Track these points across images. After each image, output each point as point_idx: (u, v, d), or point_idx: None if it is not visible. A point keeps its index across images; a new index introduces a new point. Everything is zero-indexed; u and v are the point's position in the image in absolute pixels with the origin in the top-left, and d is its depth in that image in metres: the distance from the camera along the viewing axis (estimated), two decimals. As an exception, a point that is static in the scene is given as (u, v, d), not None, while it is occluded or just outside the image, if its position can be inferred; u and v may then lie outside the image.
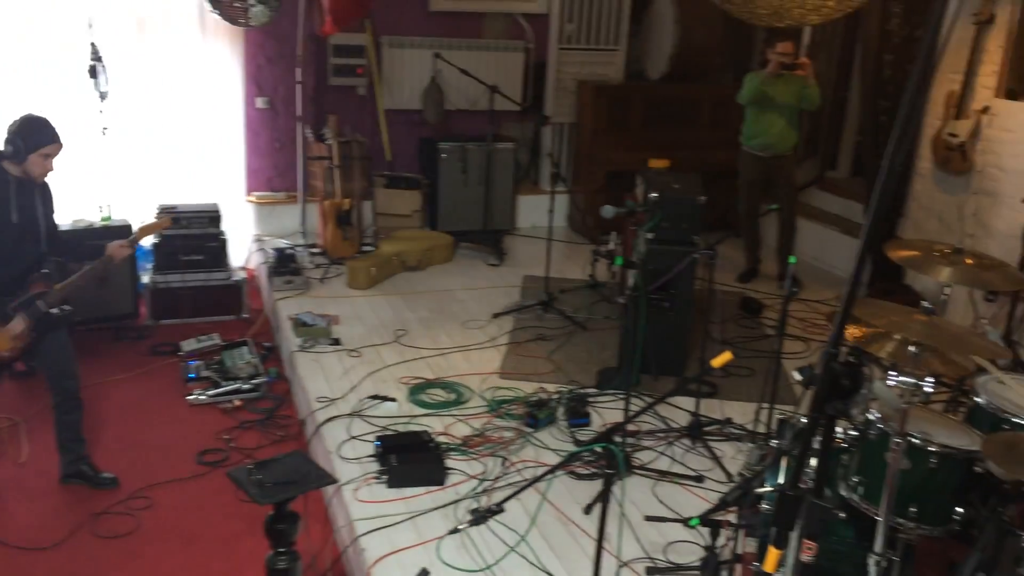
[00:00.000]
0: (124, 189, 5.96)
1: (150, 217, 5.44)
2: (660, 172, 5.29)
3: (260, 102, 6.63)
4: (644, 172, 5.18)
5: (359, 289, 5.78)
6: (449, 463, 3.75)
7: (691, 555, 3.25)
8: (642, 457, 3.94)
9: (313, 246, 6.37)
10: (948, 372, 3.11)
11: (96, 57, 5.56)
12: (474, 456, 3.87)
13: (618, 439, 3.87)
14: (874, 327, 2.58)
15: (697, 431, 4.08)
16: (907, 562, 2.80)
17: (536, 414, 4.14)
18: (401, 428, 4.04)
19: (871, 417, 2.74)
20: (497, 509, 2.58)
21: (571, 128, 7.53)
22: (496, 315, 5.48)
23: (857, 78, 6.85)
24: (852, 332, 2.78)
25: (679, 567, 3.19)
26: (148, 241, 5.59)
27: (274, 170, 6.81)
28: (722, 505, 3.31)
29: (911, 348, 2.48)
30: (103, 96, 5.64)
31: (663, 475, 3.80)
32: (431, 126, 7.02)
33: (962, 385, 3.80)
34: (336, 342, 4.95)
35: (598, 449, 3.45)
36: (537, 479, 2.84)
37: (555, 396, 4.38)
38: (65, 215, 5.01)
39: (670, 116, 7.24)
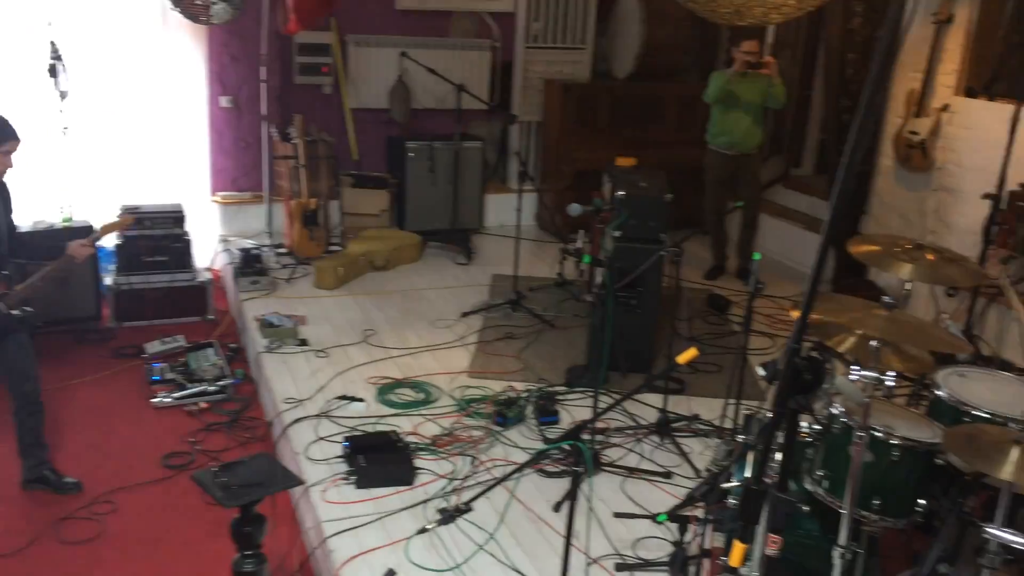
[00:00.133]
0: (85, 190, 5.88)
1: (112, 218, 5.36)
2: (627, 170, 5.31)
3: (224, 101, 6.56)
4: (611, 170, 5.21)
5: (326, 289, 5.75)
6: (418, 463, 3.74)
7: (660, 551, 3.27)
8: (611, 454, 3.95)
9: (279, 246, 6.32)
10: (909, 367, 3.15)
11: (56, 56, 5.47)
12: (443, 455, 3.86)
13: (587, 437, 3.88)
14: (833, 321, 2.61)
15: (665, 428, 4.11)
16: (871, 554, 2.84)
17: (505, 413, 4.15)
18: (369, 428, 4.02)
19: (835, 411, 2.77)
20: (465, 508, 2.57)
21: (538, 127, 7.54)
22: (465, 314, 5.47)
23: (821, 77, 6.93)
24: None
25: (648, 563, 3.21)
26: (110, 242, 5.52)
27: (239, 170, 6.74)
28: (689, 501, 3.34)
29: (872, 343, 2.52)
30: (63, 95, 5.55)
31: (632, 472, 3.82)
32: (398, 125, 6.99)
33: (923, 379, 3.86)
34: (303, 343, 4.91)
35: (566, 447, 3.46)
36: (505, 478, 2.84)
37: (524, 394, 4.39)
38: (25, 216, 4.93)
39: (637, 114, 7.27)
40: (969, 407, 2.87)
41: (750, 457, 2.85)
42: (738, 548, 1.78)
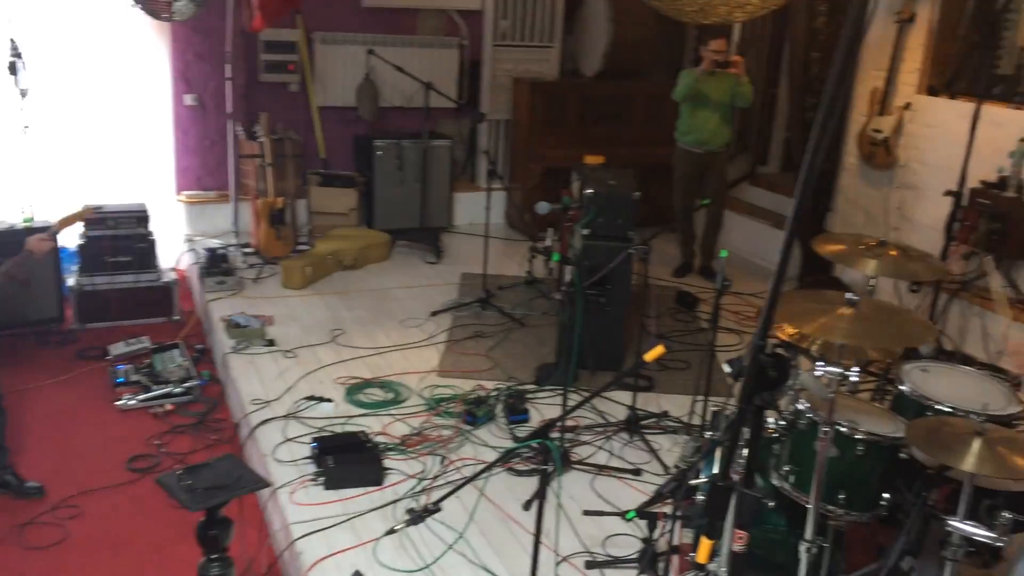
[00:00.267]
0: (47, 189, 5.78)
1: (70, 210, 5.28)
2: (595, 168, 5.32)
3: (189, 99, 6.49)
4: (580, 168, 5.22)
5: (294, 289, 5.70)
6: (387, 463, 3.72)
7: (630, 548, 3.28)
8: (581, 452, 3.96)
9: (246, 246, 6.26)
10: (882, 354, 3.19)
11: (16, 53, 5.37)
12: (413, 455, 3.84)
13: (556, 435, 3.89)
14: (802, 328, 2.63)
15: (634, 425, 4.12)
16: (837, 548, 2.87)
17: (475, 411, 4.14)
18: (338, 429, 3.99)
19: (800, 407, 2.80)
20: (434, 508, 2.56)
21: (507, 125, 7.53)
22: (434, 313, 5.45)
23: (786, 75, 7.00)
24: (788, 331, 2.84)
25: (617, 560, 3.22)
26: (73, 242, 5.44)
27: (204, 169, 6.67)
28: (658, 497, 3.36)
29: (838, 342, 2.54)
30: (23, 93, 5.46)
31: (601, 469, 3.83)
32: (366, 123, 6.95)
33: (887, 374, 3.91)
34: (271, 343, 4.87)
35: (534, 445, 3.46)
36: (473, 477, 2.84)
37: (493, 393, 4.38)
38: (-16, 217, 4.84)
39: (605, 113, 7.29)
40: (932, 401, 2.91)
41: (718, 453, 2.88)
42: (705, 544, 1.79)
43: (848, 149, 6.07)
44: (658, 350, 2.52)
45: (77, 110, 6.00)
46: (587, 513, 3.47)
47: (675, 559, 3.02)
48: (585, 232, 4.58)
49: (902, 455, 2.76)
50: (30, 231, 4.99)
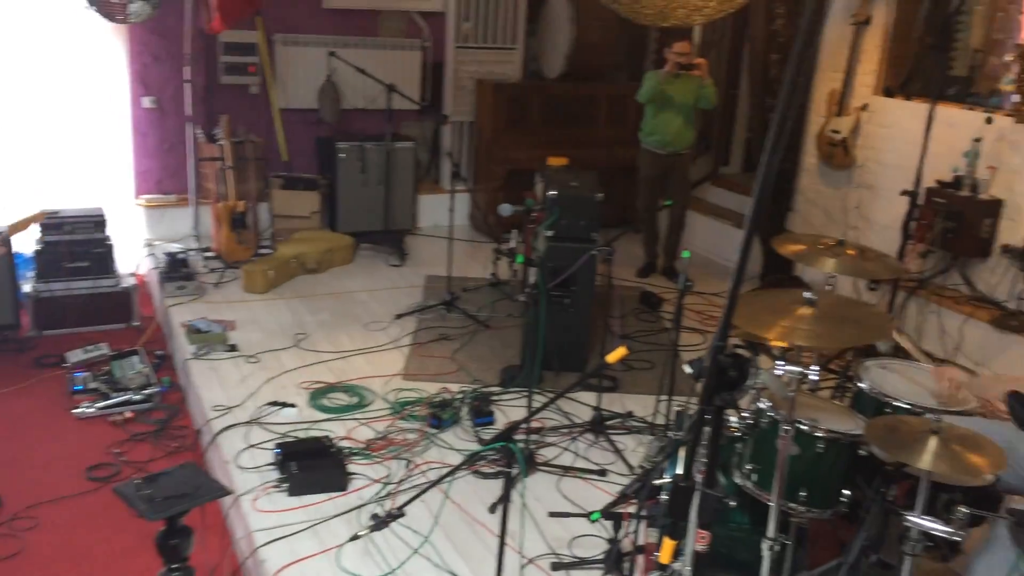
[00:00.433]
0: (1, 194, 5.66)
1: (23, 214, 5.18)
2: (559, 170, 5.34)
3: (147, 102, 6.40)
4: (543, 170, 5.23)
5: (256, 293, 5.64)
6: (352, 468, 3.70)
7: (596, 548, 3.29)
8: (546, 453, 3.96)
9: (207, 250, 6.18)
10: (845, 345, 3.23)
11: (-34, 55, 5.26)
12: (377, 460, 3.82)
13: (521, 436, 3.89)
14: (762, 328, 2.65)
15: (599, 425, 4.14)
16: (800, 544, 2.90)
17: (440, 415, 4.13)
18: (302, 434, 3.96)
19: (762, 406, 2.83)
20: (397, 513, 2.55)
21: (471, 127, 7.52)
22: (398, 316, 5.43)
23: (746, 77, 7.07)
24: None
25: (583, 561, 3.22)
26: (29, 248, 5.33)
27: (164, 172, 6.58)
28: (622, 498, 3.37)
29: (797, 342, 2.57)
30: (-25, 96, 5.34)
31: (567, 470, 3.83)
32: (328, 125, 6.91)
33: (847, 372, 3.96)
34: (232, 348, 4.81)
35: (498, 448, 3.46)
36: (438, 481, 2.83)
37: (459, 396, 4.37)
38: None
39: (568, 114, 7.31)
40: (890, 399, 2.96)
41: (681, 453, 2.90)
42: (667, 544, 1.80)
43: (807, 150, 6.15)
44: (620, 351, 2.53)
45: (32, 113, 5.89)
46: (552, 515, 3.47)
47: (640, 559, 3.04)
48: (549, 234, 4.59)
49: (861, 452, 2.79)
50: (-17, 237, 4.92)
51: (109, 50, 6.16)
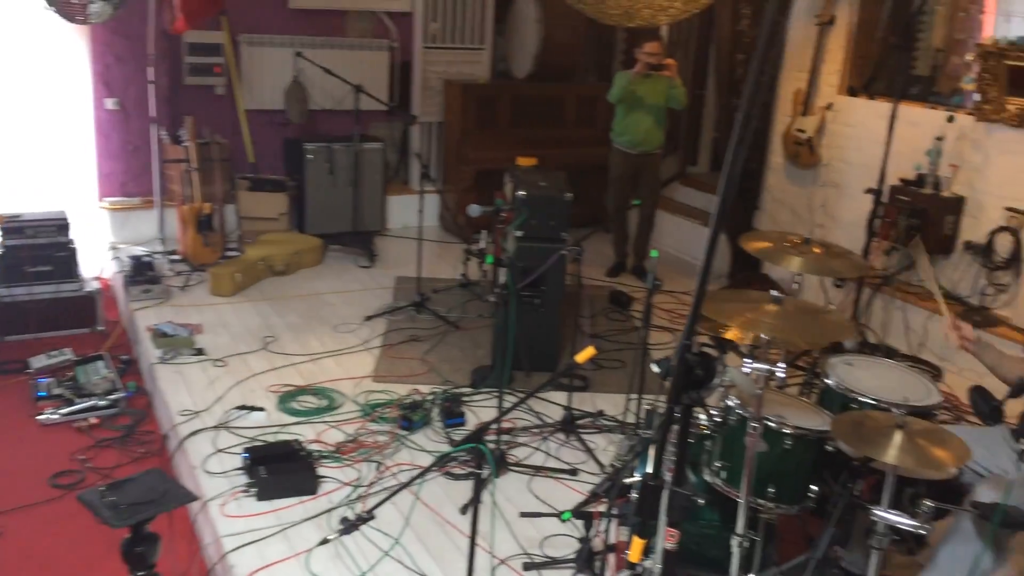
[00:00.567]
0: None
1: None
2: (528, 170, 5.34)
3: (110, 103, 6.31)
4: (512, 170, 5.23)
5: (223, 296, 5.59)
6: (322, 471, 3.67)
7: (568, 548, 3.29)
8: (517, 454, 3.96)
9: (173, 253, 6.10)
10: (809, 346, 3.26)
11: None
12: (348, 463, 3.80)
13: (492, 437, 3.88)
14: (727, 324, 2.67)
15: (570, 425, 4.14)
16: (769, 540, 2.92)
17: (410, 416, 4.11)
18: (271, 438, 3.92)
19: (730, 404, 2.85)
20: (367, 517, 2.53)
21: (439, 127, 7.51)
22: (368, 318, 5.40)
23: (712, 77, 7.12)
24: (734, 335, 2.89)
25: (555, 560, 3.23)
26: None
27: (128, 174, 6.49)
28: (593, 497, 3.38)
29: (764, 336, 2.59)
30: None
31: (538, 470, 3.84)
32: (296, 126, 6.86)
33: (814, 368, 4.00)
34: (199, 352, 4.76)
35: (468, 449, 3.45)
36: (408, 483, 2.81)
37: (429, 397, 4.36)
38: None
39: (537, 114, 7.32)
40: (856, 394, 2.99)
41: (651, 451, 2.91)
42: (636, 543, 1.80)
43: (774, 149, 6.21)
44: (589, 351, 2.54)
45: (-8, 115, 5.80)
46: (524, 515, 3.47)
47: (611, 558, 3.04)
48: (518, 234, 4.59)
49: (828, 448, 2.82)
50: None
51: (71, 51, 6.07)
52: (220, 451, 3.82)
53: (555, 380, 4.37)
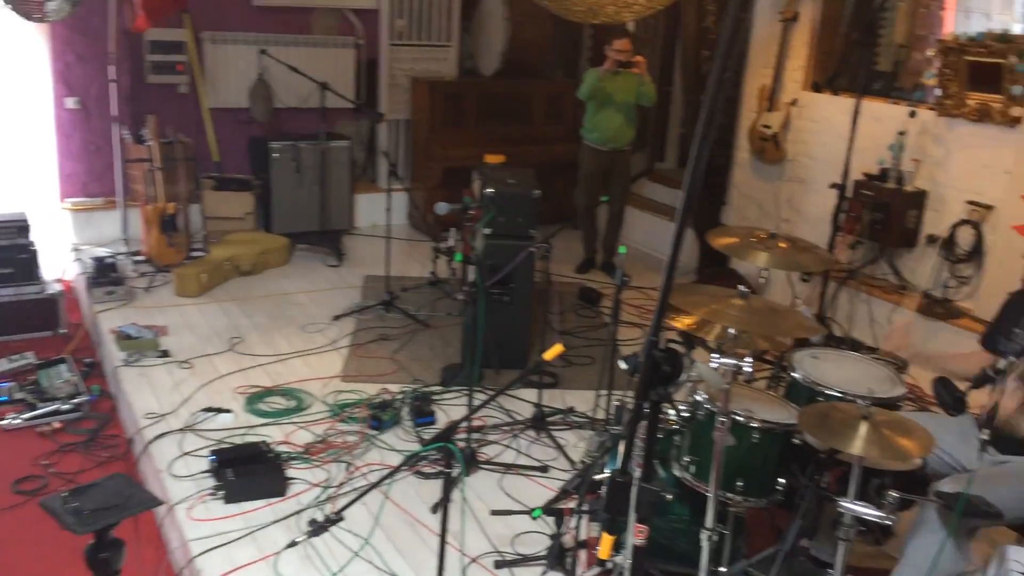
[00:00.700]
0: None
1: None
2: (496, 167, 5.33)
3: (70, 102, 6.21)
4: (480, 168, 5.22)
5: (189, 297, 5.52)
6: (290, 472, 3.64)
7: (539, 545, 3.29)
8: (488, 452, 3.96)
9: (136, 254, 6.02)
10: (772, 346, 3.28)
11: None
12: (317, 463, 3.77)
13: (463, 435, 3.87)
14: (693, 314, 2.68)
15: (540, 422, 4.14)
16: (738, 533, 2.95)
17: (380, 416, 4.09)
18: (238, 440, 3.88)
19: (698, 398, 2.86)
20: (336, 518, 2.51)
21: (407, 125, 7.47)
22: (337, 317, 5.36)
23: (679, 74, 7.15)
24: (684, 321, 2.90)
25: (526, 558, 3.22)
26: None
27: (90, 175, 6.39)
28: (563, 494, 3.38)
29: (730, 330, 2.61)
30: None
31: (509, 468, 3.83)
32: (261, 125, 6.79)
33: (781, 362, 4.03)
34: (165, 354, 4.70)
35: (438, 448, 3.44)
36: (377, 483, 2.80)
37: (399, 396, 4.34)
38: None
39: (504, 112, 7.31)
40: (822, 387, 3.02)
41: (621, 447, 2.92)
42: (606, 540, 1.80)
43: (740, 145, 6.25)
44: (557, 348, 2.54)
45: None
46: (495, 513, 3.47)
47: (582, 553, 3.05)
48: (487, 231, 4.58)
49: (796, 441, 2.85)
50: None
51: (30, 49, 5.96)
52: (186, 454, 3.78)
53: (524, 378, 4.37)
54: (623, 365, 1.93)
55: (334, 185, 6.67)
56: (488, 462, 3.86)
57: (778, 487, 2.85)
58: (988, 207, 4.74)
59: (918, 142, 5.07)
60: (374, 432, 4.03)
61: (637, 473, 1.90)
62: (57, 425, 4.23)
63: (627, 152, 6.27)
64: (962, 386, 2.78)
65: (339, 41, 7.01)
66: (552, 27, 7.37)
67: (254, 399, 4.28)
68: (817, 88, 5.74)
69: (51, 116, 6.19)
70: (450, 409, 4.31)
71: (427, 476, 3.73)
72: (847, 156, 5.09)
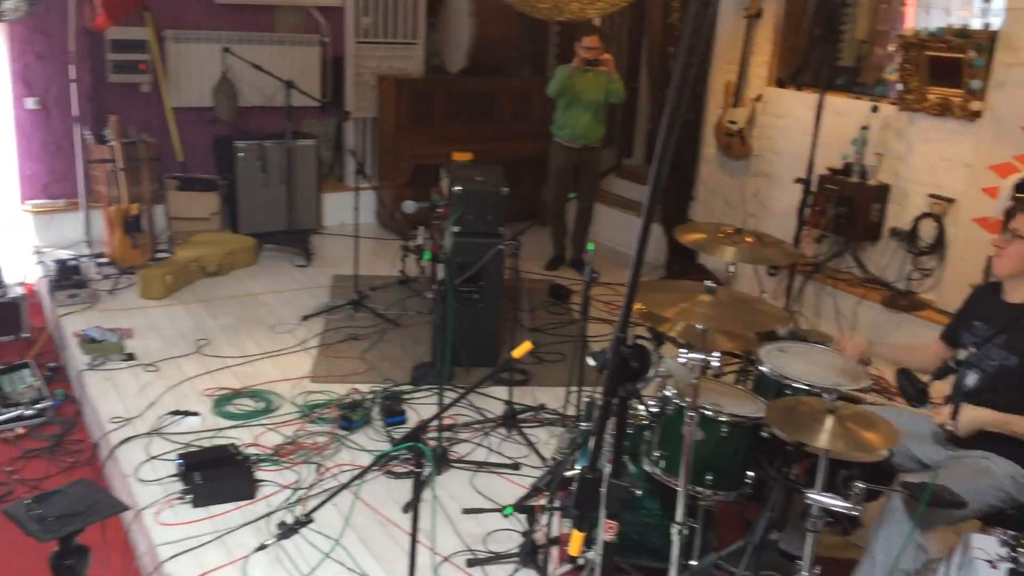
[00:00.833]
0: None
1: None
2: (464, 165, 5.32)
3: (31, 103, 6.10)
4: (448, 165, 5.20)
5: (154, 299, 5.45)
6: (259, 475, 3.61)
7: (511, 542, 3.29)
8: (459, 450, 3.95)
9: (100, 256, 5.93)
10: (737, 345, 3.31)
11: None
12: (287, 465, 3.74)
13: (434, 434, 3.86)
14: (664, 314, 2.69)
15: (512, 419, 4.14)
16: (708, 527, 2.97)
17: (350, 416, 4.06)
18: (206, 443, 3.84)
19: (668, 393, 2.87)
20: (305, 520, 2.50)
21: (374, 123, 7.44)
22: (305, 317, 5.32)
23: (645, 70, 7.18)
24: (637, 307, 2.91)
25: (498, 556, 3.22)
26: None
27: (51, 176, 6.29)
28: (534, 491, 3.39)
29: (699, 326, 2.62)
30: None
31: (480, 466, 3.83)
32: (226, 124, 6.72)
33: (749, 356, 4.06)
34: (130, 357, 4.64)
35: (408, 448, 3.43)
36: (347, 484, 2.78)
37: (369, 396, 4.32)
38: None
39: (472, 109, 7.30)
40: (789, 380, 3.04)
41: (591, 444, 2.93)
42: (576, 536, 1.81)
43: (707, 140, 6.29)
44: (525, 346, 2.54)
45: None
46: (467, 511, 3.47)
47: (554, 550, 3.06)
48: (455, 229, 4.57)
49: (764, 434, 2.87)
50: None
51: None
52: (153, 458, 3.73)
53: (494, 376, 4.36)
54: (591, 362, 1.93)
55: (301, 184, 6.63)
56: (460, 460, 3.85)
57: (747, 480, 2.87)
58: (949, 200, 4.81)
59: (881, 136, 5.14)
60: (344, 432, 4.01)
61: (607, 469, 1.91)
62: (21, 431, 4.15)
63: (597, 149, 6.29)
64: (924, 377, 2.82)
65: (304, 39, 6.95)
66: (519, 24, 7.37)
67: (222, 401, 4.24)
68: (781, 84, 5.80)
69: (11, 117, 6.09)
70: (421, 408, 4.30)
71: (398, 476, 3.71)
72: (811, 151, 5.14)
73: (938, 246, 4.87)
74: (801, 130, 5.42)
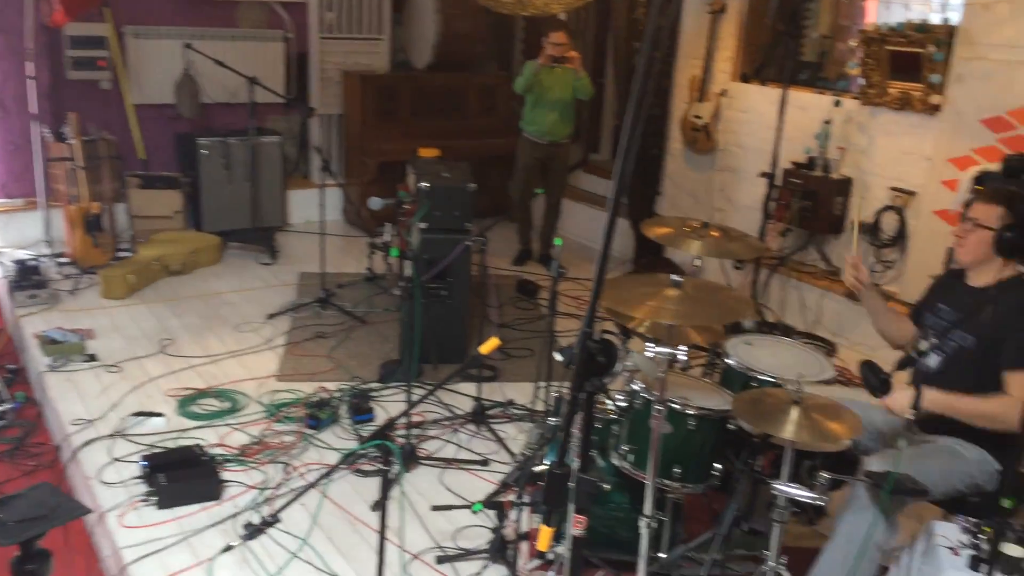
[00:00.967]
0: None
1: None
2: (430, 161, 5.31)
3: (-14, 100, 5.99)
4: (414, 162, 5.18)
5: (116, 299, 5.36)
6: (225, 475, 3.56)
7: (481, 539, 3.29)
8: (428, 447, 3.94)
9: (60, 255, 5.83)
10: (705, 338, 3.33)
11: None
12: (253, 465, 3.70)
13: (402, 432, 3.85)
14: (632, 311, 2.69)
15: (480, 415, 4.14)
16: (677, 519, 2.99)
17: (318, 415, 4.03)
18: (170, 444, 3.79)
19: (635, 387, 2.88)
20: (272, 520, 2.47)
21: (339, 119, 7.38)
22: (271, 316, 5.27)
23: (611, 65, 7.20)
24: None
25: (468, 552, 3.22)
26: None
27: (9, 175, 6.17)
28: (503, 487, 3.39)
29: (666, 322, 2.63)
30: None
31: (449, 463, 3.82)
32: (188, 121, 6.63)
33: (716, 350, 4.10)
34: (92, 358, 4.56)
35: (376, 446, 3.41)
36: (315, 483, 2.76)
37: (337, 394, 4.29)
38: None
39: (438, 105, 7.27)
40: (755, 373, 3.07)
41: (559, 439, 2.93)
42: (544, 532, 1.81)
43: (672, 135, 6.33)
44: (493, 342, 2.53)
45: None
46: (436, 508, 3.46)
47: (524, 545, 3.06)
48: (422, 226, 4.55)
49: (731, 426, 2.89)
50: None
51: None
52: (117, 460, 3.67)
53: (462, 372, 4.35)
54: (558, 357, 1.93)
55: (266, 181, 6.56)
56: (428, 457, 3.84)
57: (714, 472, 2.89)
58: (911, 193, 4.88)
59: (843, 131, 5.19)
60: (312, 431, 3.98)
61: (576, 464, 1.91)
62: (-21, 435, 4.07)
63: (565, 145, 6.30)
64: (887, 368, 2.85)
65: (267, 35, 6.88)
66: (484, 20, 7.35)
67: (187, 402, 4.19)
68: (745, 79, 5.84)
69: (-35, 115, 5.97)
70: (389, 405, 4.27)
71: (366, 474, 3.69)
72: (775, 145, 5.19)
73: (900, 238, 4.94)
74: (765, 124, 5.46)
